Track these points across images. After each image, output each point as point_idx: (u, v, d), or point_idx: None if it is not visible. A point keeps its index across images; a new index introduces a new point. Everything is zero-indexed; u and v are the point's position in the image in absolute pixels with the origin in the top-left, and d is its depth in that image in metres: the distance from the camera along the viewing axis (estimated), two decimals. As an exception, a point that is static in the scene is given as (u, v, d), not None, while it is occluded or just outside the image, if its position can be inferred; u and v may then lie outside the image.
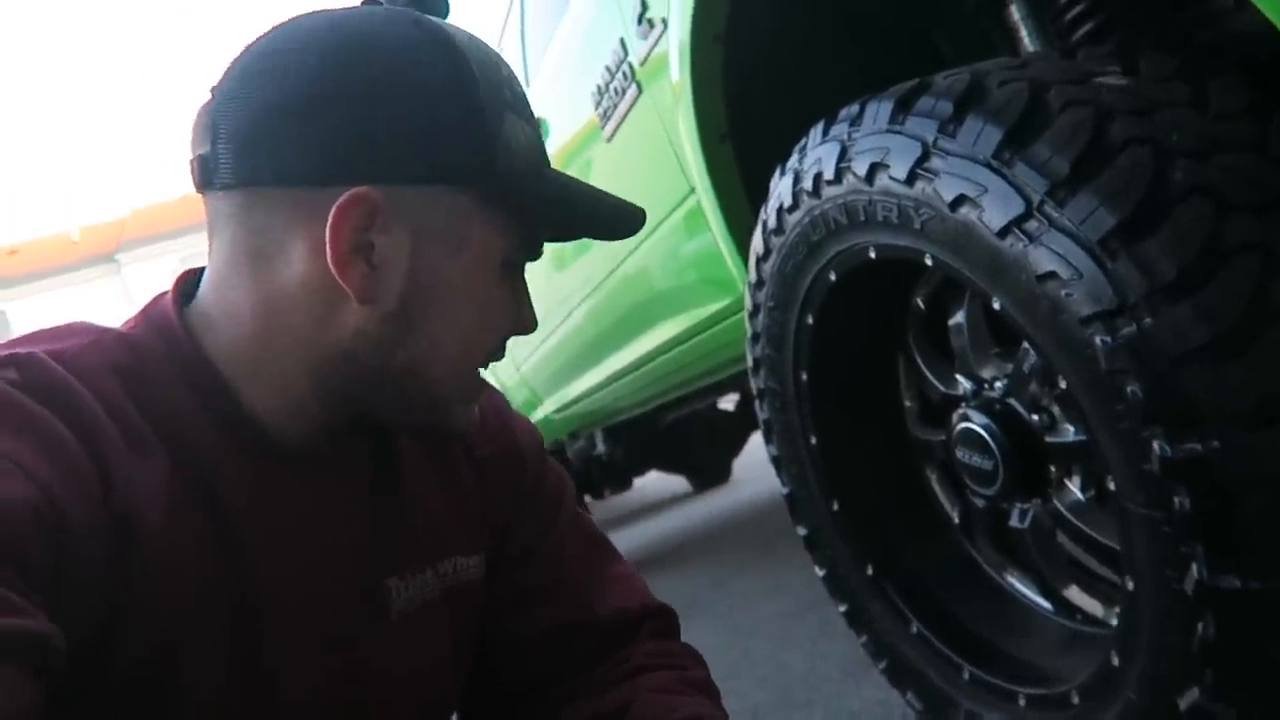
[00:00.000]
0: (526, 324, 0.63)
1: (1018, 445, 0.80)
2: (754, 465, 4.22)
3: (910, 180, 0.71)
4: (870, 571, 0.98)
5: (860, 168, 0.77)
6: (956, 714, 0.89)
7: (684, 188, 1.27)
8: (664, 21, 1.16)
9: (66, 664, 0.42)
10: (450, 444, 0.68)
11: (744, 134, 1.14)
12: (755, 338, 1.02)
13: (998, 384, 0.83)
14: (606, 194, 0.63)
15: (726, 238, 1.19)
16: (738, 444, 4.40)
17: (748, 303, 1.02)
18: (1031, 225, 0.63)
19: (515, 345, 2.66)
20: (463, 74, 0.54)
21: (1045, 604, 0.88)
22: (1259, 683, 0.60)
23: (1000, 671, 0.86)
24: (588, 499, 3.66)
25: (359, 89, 0.52)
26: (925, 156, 0.70)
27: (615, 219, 0.63)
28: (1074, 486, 0.80)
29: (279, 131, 0.52)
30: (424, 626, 0.63)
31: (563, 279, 1.97)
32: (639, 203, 0.64)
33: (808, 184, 0.85)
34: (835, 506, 1.00)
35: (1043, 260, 0.62)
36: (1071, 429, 0.76)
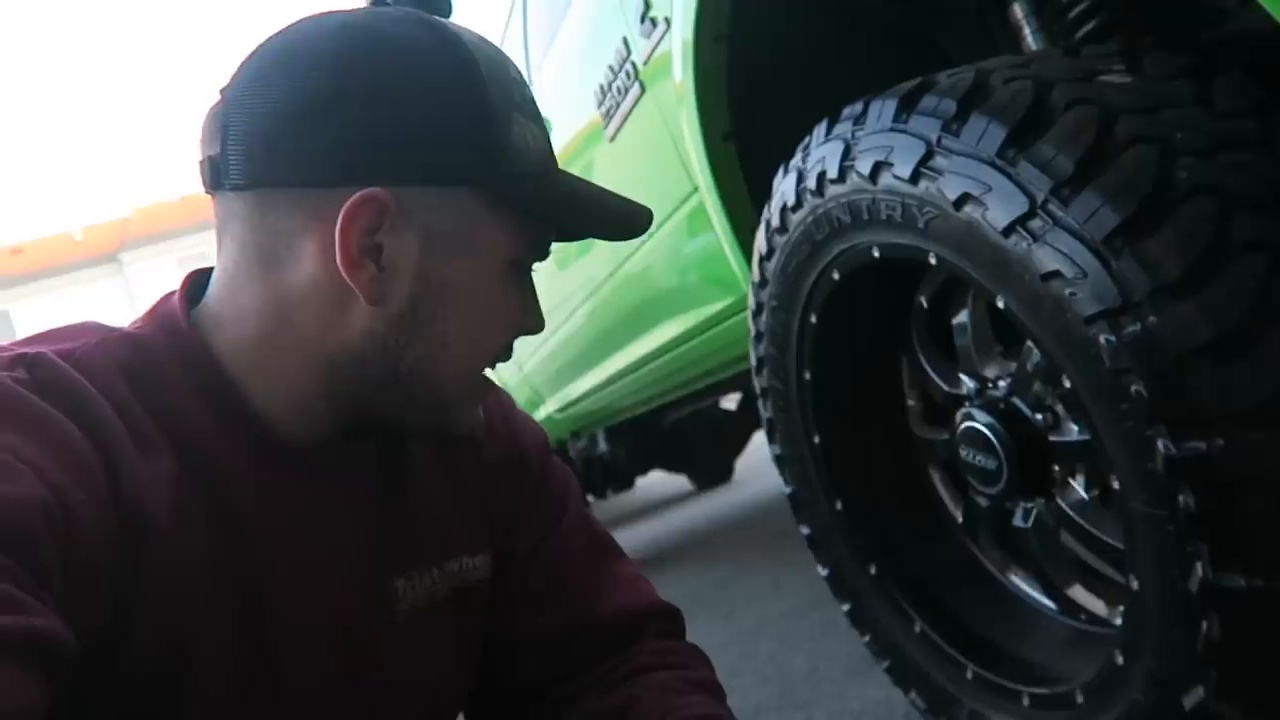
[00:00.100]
0: (534, 324, 0.63)
1: (1021, 444, 0.80)
2: (756, 465, 4.22)
3: (914, 179, 0.71)
4: (873, 571, 0.98)
5: (864, 166, 0.77)
6: (960, 713, 0.89)
7: (687, 187, 1.27)
8: (667, 21, 1.16)
9: (77, 662, 0.42)
10: (457, 445, 0.68)
11: (747, 133, 1.14)
12: (758, 337, 1.02)
13: (1001, 383, 0.83)
14: (613, 194, 0.63)
15: (729, 237, 1.19)
16: (740, 444, 4.40)
17: (751, 302, 1.02)
18: (1035, 224, 0.63)
19: (518, 344, 2.64)
20: (472, 75, 0.55)
21: (1049, 603, 0.88)
22: (1263, 682, 0.60)
23: (1004, 671, 0.86)
24: (590, 498, 3.67)
25: (369, 90, 0.53)
26: (929, 155, 0.70)
27: (622, 219, 0.63)
28: (1078, 486, 0.80)
29: (289, 133, 0.52)
30: (430, 626, 0.63)
31: (565, 278, 1.97)
32: (642, 202, 0.64)
33: (811, 183, 0.84)
34: (838, 506, 1.00)
35: (1047, 259, 0.62)
36: (1075, 428, 0.76)
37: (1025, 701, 0.82)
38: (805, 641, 1.63)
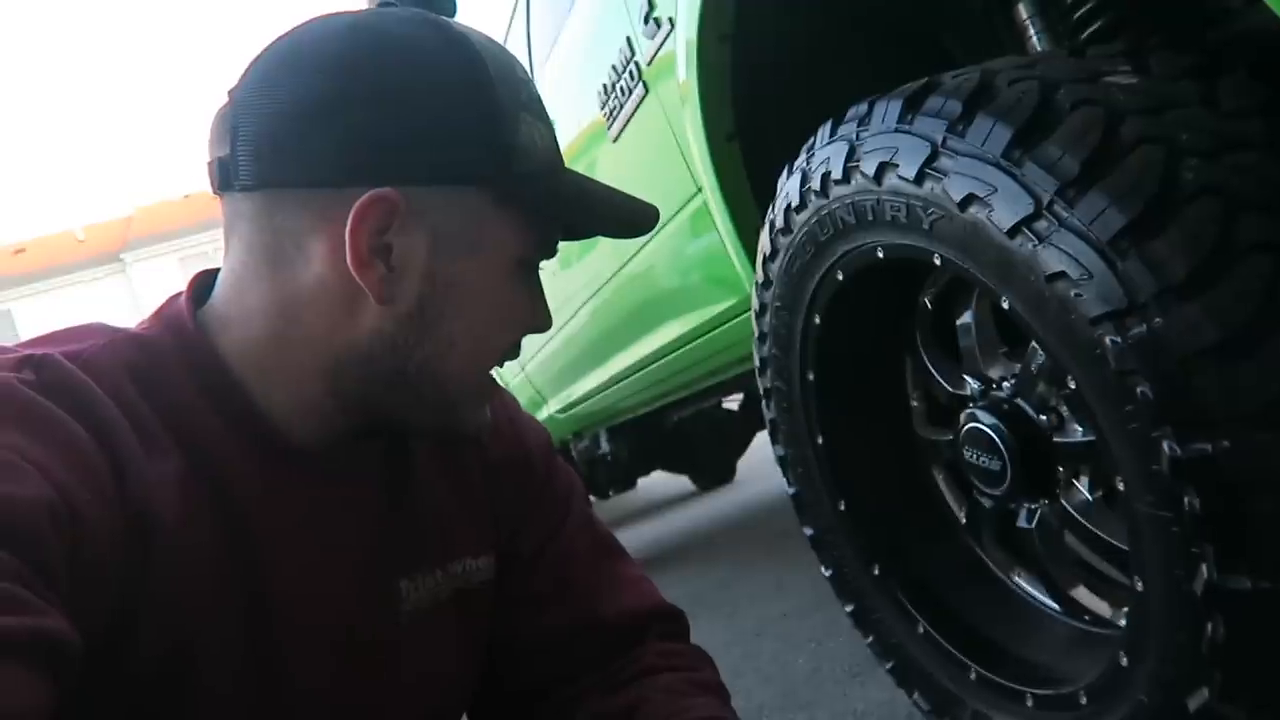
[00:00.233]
0: (542, 322, 0.63)
1: (1025, 445, 0.79)
2: (758, 465, 4.22)
3: (919, 180, 0.71)
4: (877, 571, 0.98)
5: (868, 167, 0.77)
6: (963, 714, 0.89)
7: (690, 187, 1.27)
8: (671, 21, 1.16)
9: (83, 662, 0.42)
10: (462, 445, 0.68)
11: (751, 134, 1.14)
12: (762, 337, 1.02)
13: (1005, 384, 0.83)
14: (619, 192, 0.63)
15: (733, 237, 1.19)
16: (742, 444, 4.40)
17: (754, 302, 1.02)
18: (1041, 225, 0.62)
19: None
20: (480, 75, 0.55)
21: (1053, 604, 0.88)
22: (1268, 684, 0.60)
23: (1007, 672, 0.86)
24: (592, 499, 3.66)
25: (377, 91, 0.53)
26: (934, 156, 0.70)
27: (629, 217, 0.63)
28: (1082, 487, 0.80)
29: (298, 133, 0.52)
30: (434, 627, 0.64)
31: (568, 278, 1.97)
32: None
33: (815, 183, 0.84)
34: (842, 506, 1.00)
35: (1052, 260, 0.62)
36: (1080, 429, 0.76)
37: (1029, 703, 0.81)
38: (808, 642, 1.63)
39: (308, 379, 0.56)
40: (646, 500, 5.24)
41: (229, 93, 0.55)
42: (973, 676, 0.88)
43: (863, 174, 0.78)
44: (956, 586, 0.95)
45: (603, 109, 1.48)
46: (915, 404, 0.99)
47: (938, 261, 0.74)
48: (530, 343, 2.84)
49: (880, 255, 0.81)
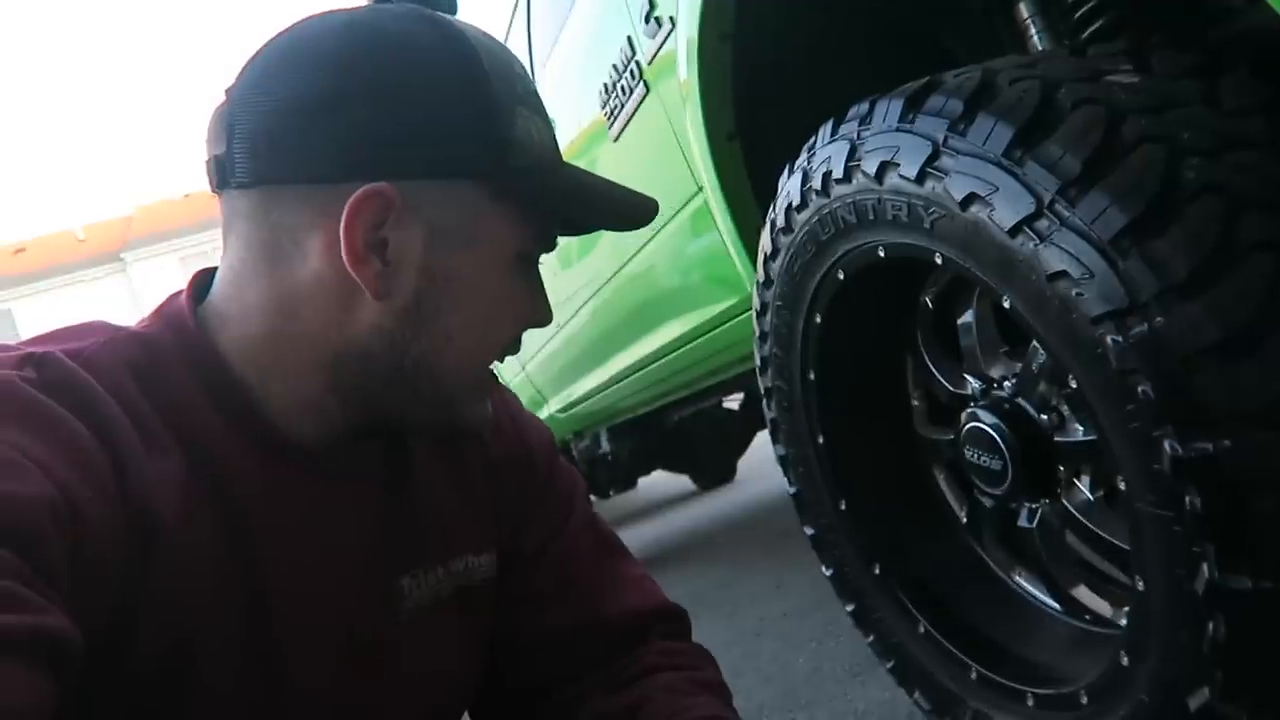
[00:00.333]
0: (542, 316, 0.63)
1: (1026, 445, 0.79)
2: (758, 465, 4.22)
3: (920, 179, 0.71)
4: (877, 571, 0.98)
5: (870, 166, 0.77)
6: (964, 713, 0.89)
7: (691, 187, 1.27)
8: (672, 20, 1.16)
9: (84, 660, 0.42)
10: (463, 443, 0.68)
11: (752, 133, 1.14)
12: (762, 337, 1.02)
13: (1006, 383, 0.83)
14: (618, 186, 0.63)
15: (734, 237, 1.19)
16: (743, 444, 4.40)
17: (755, 302, 1.02)
18: (1042, 224, 0.62)
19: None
20: (475, 70, 0.55)
21: (1054, 604, 0.88)
22: (1269, 683, 0.60)
23: (1008, 671, 0.86)
24: (593, 498, 3.66)
25: (372, 86, 0.53)
26: (935, 155, 0.70)
27: (628, 211, 0.63)
28: (1083, 486, 0.80)
29: (294, 130, 0.53)
30: (435, 624, 0.63)
31: (569, 277, 1.97)
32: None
33: (816, 183, 0.84)
34: (842, 506, 1.00)
35: (1053, 259, 0.62)
36: (1081, 428, 0.76)
37: (1030, 702, 0.81)
38: (808, 641, 1.62)
39: (307, 375, 0.56)
40: (647, 500, 5.24)
41: (226, 91, 0.55)
42: (973, 676, 0.88)
43: (864, 173, 0.78)
44: (957, 586, 0.95)
45: (603, 108, 1.48)
46: (916, 403, 0.99)
47: (939, 260, 0.74)
48: (531, 342, 2.83)
49: (881, 254, 0.81)
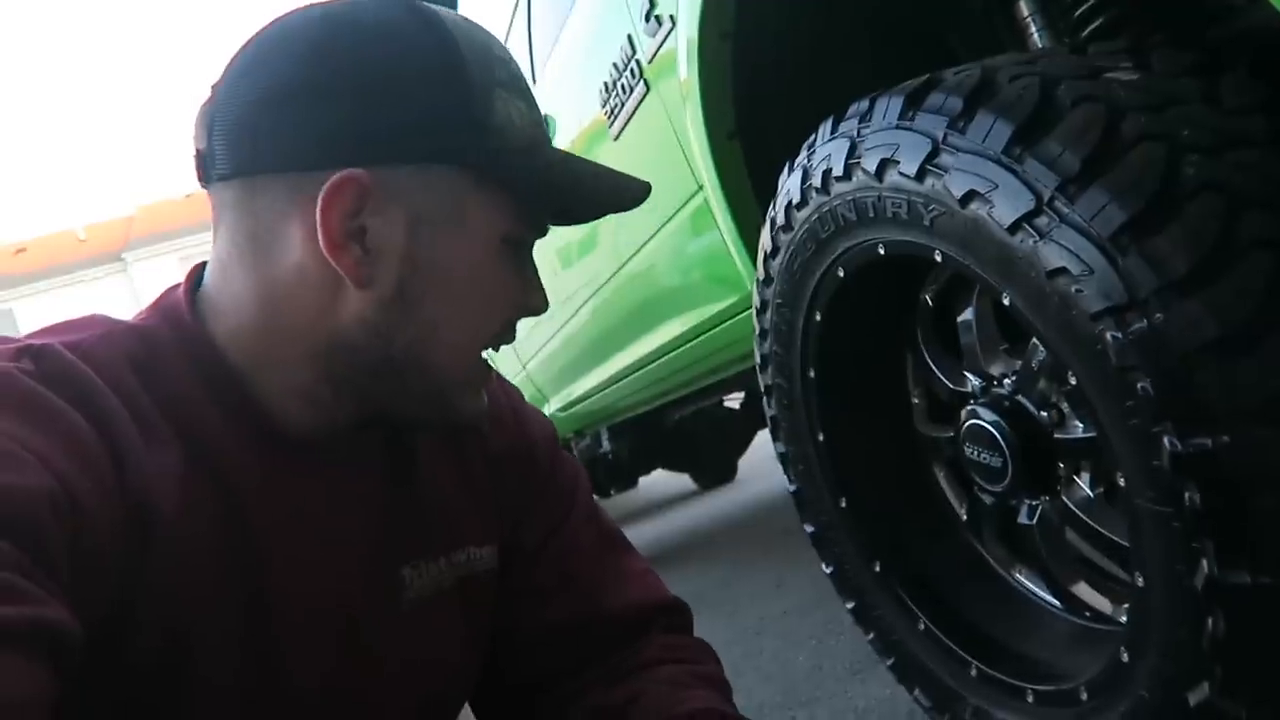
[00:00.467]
0: (534, 303, 0.62)
1: (1026, 442, 0.79)
2: (759, 464, 4.22)
3: (920, 176, 0.71)
4: (877, 568, 0.98)
5: (870, 164, 0.77)
6: (964, 711, 0.89)
7: (691, 185, 1.27)
8: (672, 19, 1.16)
9: (82, 652, 0.42)
10: (463, 435, 0.68)
11: (752, 131, 1.14)
12: (763, 335, 1.02)
13: (1006, 381, 0.83)
14: (606, 168, 0.62)
15: (734, 235, 1.19)
16: (743, 442, 4.40)
17: (755, 300, 1.02)
18: (1042, 221, 0.62)
19: (520, 342, 2.66)
20: (450, 54, 0.55)
21: (1054, 601, 0.88)
22: (1269, 679, 0.60)
23: (1008, 668, 0.86)
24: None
25: (345, 74, 0.53)
26: (935, 152, 0.70)
27: (617, 191, 0.62)
28: (1083, 483, 0.80)
29: (270, 120, 0.53)
30: (436, 616, 0.64)
31: (569, 276, 1.97)
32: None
33: (816, 180, 0.84)
34: (843, 503, 1.00)
35: (1053, 256, 0.62)
36: (1080, 425, 0.76)
37: (1029, 699, 0.82)
38: (809, 640, 1.63)
39: (299, 367, 0.56)
40: (648, 499, 5.24)
41: (211, 88, 0.56)
42: (973, 673, 0.88)
43: (864, 171, 0.78)
44: (957, 583, 0.95)
45: (604, 107, 1.48)
46: (916, 401, 1.00)
47: (939, 258, 0.74)
48: (531, 341, 2.83)
49: (881, 252, 0.81)
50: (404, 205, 0.55)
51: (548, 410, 2.77)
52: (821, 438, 1.00)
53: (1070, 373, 0.65)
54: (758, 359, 1.05)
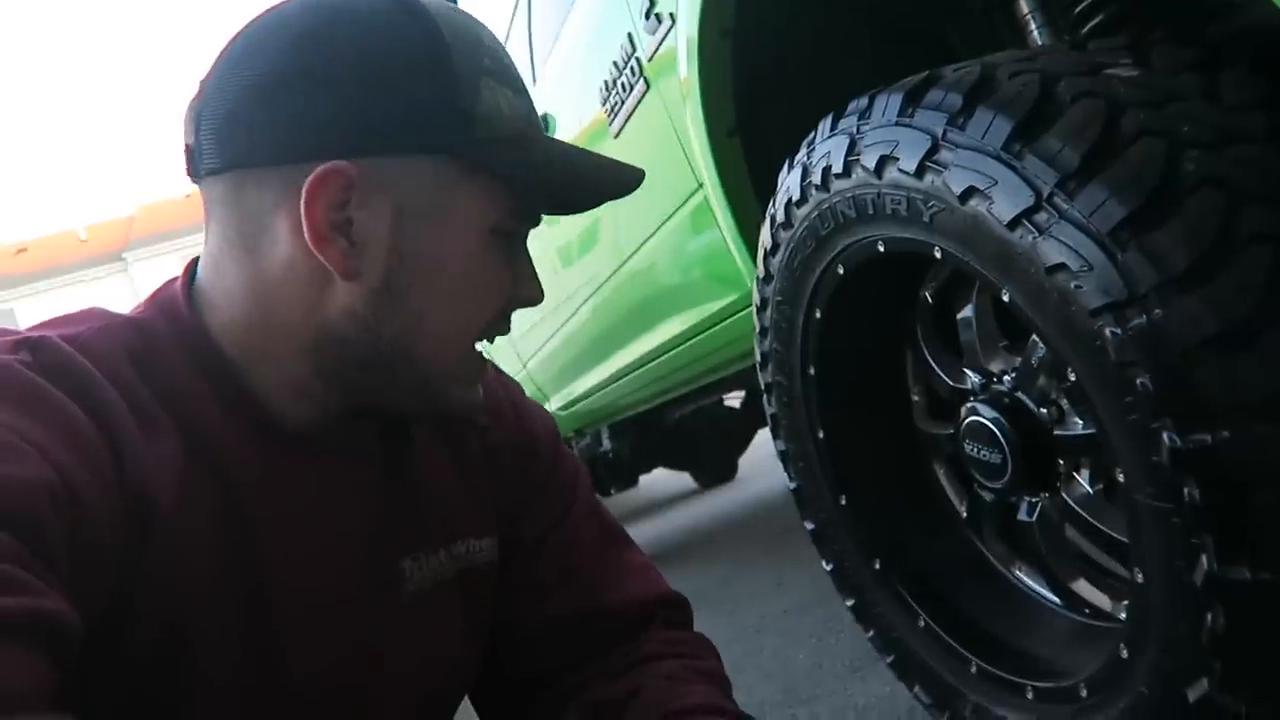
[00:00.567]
0: (527, 293, 0.61)
1: (1026, 439, 0.79)
2: (759, 463, 4.22)
3: (919, 173, 0.71)
4: (877, 566, 0.98)
5: (869, 161, 0.77)
6: (964, 707, 0.89)
7: (692, 183, 1.27)
8: (672, 16, 1.16)
9: (82, 644, 0.42)
10: (461, 427, 0.68)
11: (752, 129, 1.14)
12: (763, 332, 1.02)
13: (1006, 377, 0.83)
14: (600, 157, 0.62)
15: (734, 233, 1.19)
16: (744, 441, 4.40)
17: (755, 297, 1.02)
18: (1041, 217, 0.62)
19: (520, 341, 2.66)
20: (434, 43, 0.54)
21: (1053, 597, 0.88)
22: (1268, 674, 0.60)
23: (1008, 665, 0.86)
24: (593, 496, 3.65)
25: (327, 65, 0.53)
26: (934, 149, 0.70)
27: (610, 180, 0.62)
28: (1083, 479, 0.80)
29: (255, 113, 0.53)
30: (437, 609, 0.64)
31: (569, 274, 1.97)
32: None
33: (816, 177, 0.84)
34: (843, 501, 1.00)
35: (1052, 252, 0.62)
36: (1080, 422, 0.76)
37: (1029, 695, 0.82)
38: (809, 637, 1.63)
39: (291, 361, 0.56)
40: (648, 498, 5.24)
41: (200, 83, 0.56)
42: (973, 670, 0.88)
43: (863, 168, 0.78)
44: (957, 580, 0.95)
45: (604, 105, 1.48)
46: (916, 398, 1.00)
47: (938, 255, 0.74)
48: (531, 339, 2.83)
49: (881, 249, 0.81)
50: (389, 197, 0.54)
51: (549, 409, 2.77)
52: (822, 435, 1.00)
53: (1070, 369, 0.65)
54: (758, 356, 1.05)
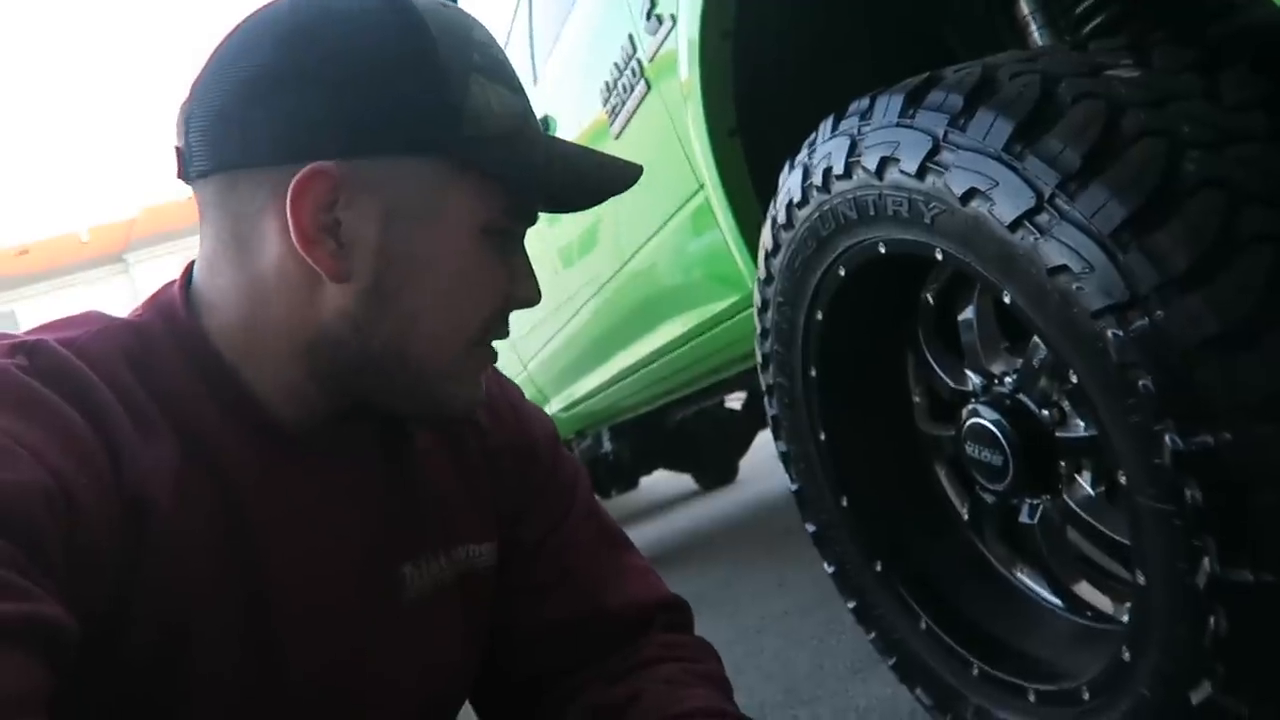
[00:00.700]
0: (524, 296, 0.60)
1: (1027, 440, 0.79)
2: (760, 464, 4.22)
3: (920, 174, 0.71)
4: (879, 567, 0.98)
5: (870, 162, 0.77)
6: (965, 710, 0.89)
7: (692, 184, 1.27)
8: (673, 18, 1.16)
9: (78, 647, 0.42)
10: (460, 430, 0.68)
11: (753, 130, 1.14)
12: (764, 334, 1.02)
13: (1007, 379, 0.83)
14: (597, 153, 0.61)
15: (735, 234, 1.19)
16: (745, 443, 4.40)
17: (756, 299, 1.02)
18: (1042, 218, 0.62)
19: (521, 343, 2.66)
20: (421, 40, 0.54)
21: (1055, 600, 0.88)
22: (1271, 677, 0.60)
23: (1009, 667, 0.85)
24: (594, 497, 3.66)
25: (313, 65, 0.52)
26: (935, 150, 0.70)
27: (607, 177, 0.61)
28: (1084, 481, 0.80)
29: (243, 114, 0.52)
30: (437, 613, 0.63)
31: (569, 276, 1.97)
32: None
33: (817, 179, 0.84)
34: (844, 502, 1.00)
35: (1053, 253, 0.62)
36: (1082, 423, 0.76)
37: (1031, 698, 0.81)
38: (810, 639, 1.62)
39: (285, 363, 0.56)
40: (649, 500, 5.24)
41: (190, 85, 0.56)
42: (975, 672, 0.88)
43: (864, 169, 0.78)
44: (958, 582, 0.95)
45: (605, 106, 1.48)
46: (917, 399, 0.99)
47: (939, 256, 0.74)
48: (532, 341, 2.82)
49: (882, 250, 0.81)
50: (377, 197, 0.54)
51: (549, 411, 2.77)
52: (823, 437, 1.00)
53: (1071, 371, 0.65)
54: (759, 358, 1.05)
